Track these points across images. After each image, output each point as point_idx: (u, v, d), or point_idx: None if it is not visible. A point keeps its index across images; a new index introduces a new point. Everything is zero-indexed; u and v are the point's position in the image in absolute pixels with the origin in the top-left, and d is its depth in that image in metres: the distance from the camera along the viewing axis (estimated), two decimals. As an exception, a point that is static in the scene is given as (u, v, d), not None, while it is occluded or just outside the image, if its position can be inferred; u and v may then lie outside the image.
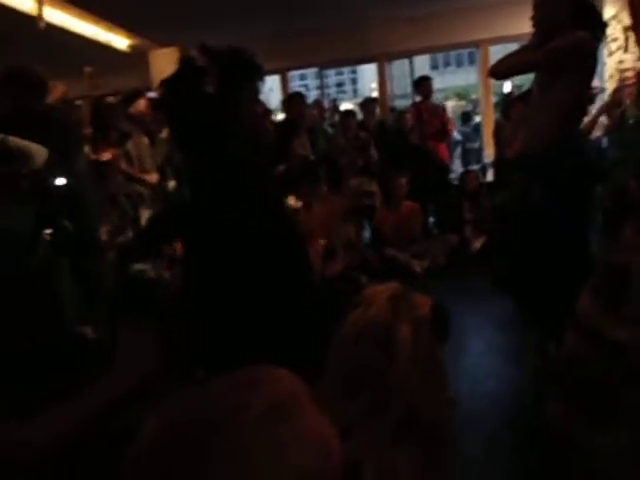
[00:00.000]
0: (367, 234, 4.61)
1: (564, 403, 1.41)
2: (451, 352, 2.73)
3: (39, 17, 3.59)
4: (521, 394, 2.19)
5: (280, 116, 4.52)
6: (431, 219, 4.96)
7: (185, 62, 1.07)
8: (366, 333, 0.68)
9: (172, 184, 3.39)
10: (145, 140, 3.41)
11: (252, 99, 1.12)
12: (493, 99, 6.00)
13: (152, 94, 3.54)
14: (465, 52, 21.82)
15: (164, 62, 5.00)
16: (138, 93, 3.55)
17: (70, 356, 0.84)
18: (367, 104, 5.27)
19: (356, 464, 0.63)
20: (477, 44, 5.79)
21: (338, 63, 7.66)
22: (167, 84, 1.08)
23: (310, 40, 5.66)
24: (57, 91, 3.35)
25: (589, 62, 1.96)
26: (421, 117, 4.87)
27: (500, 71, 2.22)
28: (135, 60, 5.26)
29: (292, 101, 4.39)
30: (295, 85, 7.20)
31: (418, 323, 0.69)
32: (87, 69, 3.60)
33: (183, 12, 4.35)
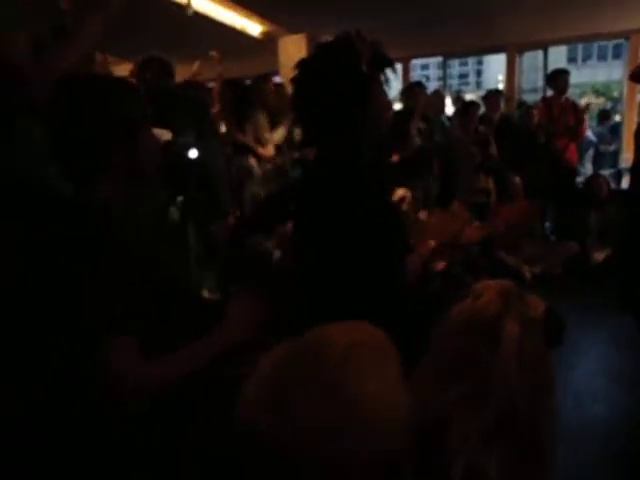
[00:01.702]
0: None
1: None
2: (557, 367, 2.57)
3: (188, 4, 3.91)
4: (631, 423, 2.00)
5: (398, 105, 4.46)
6: (548, 224, 4.63)
7: (344, 42, 1.12)
8: (473, 323, 0.68)
9: (288, 162, 3.51)
10: (264, 117, 3.55)
11: (380, 88, 1.15)
12: (639, 98, 5.37)
13: (278, 79, 3.70)
14: (609, 44, 19.67)
15: (293, 48, 5.18)
16: (266, 77, 3.75)
17: (193, 318, 0.95)
18: (491, 97, 5.01)
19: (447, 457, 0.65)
20: (626, 35, 5.19)
21: (463, 53, 7.34)
22: (318, 60, 1.13)
23: (435, 28, 5.47)
24: (194, 67, 3.66)
25: None
26: (550, 113, 4.52)
27: None
28: (266, 46, 5.51)
29: (411, 91, 4.31)
30: (417, 75, 7.05)
31: (528, 323, 0.67)
32: (213, 53, 3.85)
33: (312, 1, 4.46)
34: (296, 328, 0.59)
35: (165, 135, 2.04)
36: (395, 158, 3.37)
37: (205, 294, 1.84)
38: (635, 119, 4.94)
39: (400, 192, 3.10)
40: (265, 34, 5.47)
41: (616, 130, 6.49)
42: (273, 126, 3.63)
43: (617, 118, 6.92)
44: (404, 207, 2.89)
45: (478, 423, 0.66)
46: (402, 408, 0.51)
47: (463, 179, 4.14)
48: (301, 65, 1.16)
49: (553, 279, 3.76)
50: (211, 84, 4.14)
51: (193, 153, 2.20)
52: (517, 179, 4.02)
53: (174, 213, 1.87)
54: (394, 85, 1.24)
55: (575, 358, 2.58)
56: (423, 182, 3.42)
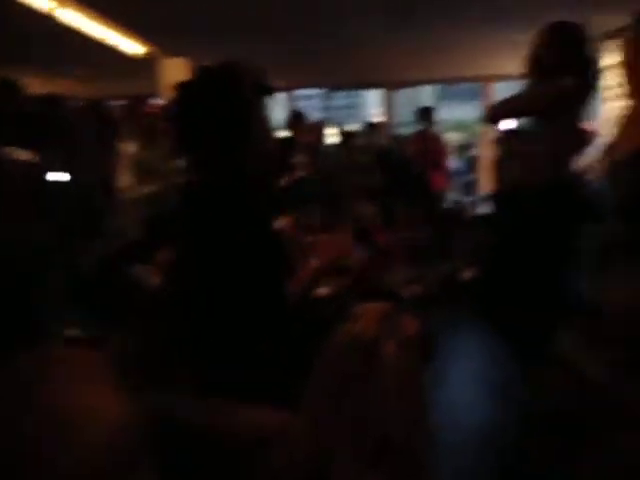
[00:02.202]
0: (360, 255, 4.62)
1: (541, 439, 1.42)
2: (436, 382, 2.74)
3: (52, 16, 3.64)
4: (503, 429, 2.16)
5: (281, 133, 4.56)
6: (424, 247, 4.99)
7: (226, 67, 1.10)
8: (351, 347, 0.69)
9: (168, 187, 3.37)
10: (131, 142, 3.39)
11: (261, 114, 1.15)
12: (493, 134, 6.11)
13: (156, 101, 3.57)
14: (469, 86, 22.30)
15: (175, 71, 5.06)
16: (140, 98, 3.60)
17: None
18: (370, 128, 5.35)
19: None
20: (480, 80, 5.92)
21: (344, 86, 7.77)
22: (199, 83, 1.11)
23: (317, 61, 5.75)
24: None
25: (576, 108, 2.02)
26: (423, 145, 4.94)
27: (495, 117, 2.34)
28: (140, 67, 5.33)
29: (294, 119, 4.45)
30: (301, 105, 7.30)
31: (404, 343, 0.70)
32: (78, 72, 3.66)
33: (194, 24, 4.42)
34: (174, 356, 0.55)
35: (24, 156, 1.85)
36: (279, 185, 3.42)
37: (69, 332, 1.66)
38: (491, 152, 5.59)
39: (284, 218, 3.13)
40: (145, 54, 5.29)
41: (475, 162, 7.31)
42: (145, 150, 3.47)
43: (475, 152, 7.81)
44: (288, 233, 2.92)
45: (360, 451, 0.66)
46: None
47: (346, 205, 4.32)
48: (181, 87, 1.13)
49: (430, 298, 4.03)
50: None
51: (56, 176, 2.02)
52: (402, 206, 4.29)
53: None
54: (278, 114, 1.25)
55: (449, 371, 2.78)
56: (307, 209, 3.50)
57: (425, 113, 5.16)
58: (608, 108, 5.06)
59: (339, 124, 6.57)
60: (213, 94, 1.07)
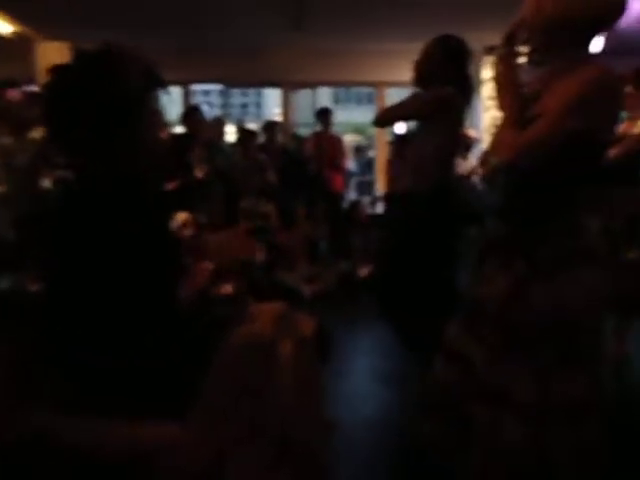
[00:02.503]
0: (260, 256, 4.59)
1: (432, 426, 1.49)
2: (333, 377, 2.78)
3: None
4: (402, 420, 2.25)
5: (178, 129, 4.37)
6: (323, 245, 5.10)
7: (110, 52, 1.00)
8: (248, 347, 0.67)
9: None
10: None
11: (151, 107, 1.08)
12: (387, 137, 6.42)
13: (31, 87, 3.23)
14: (365, 91, 23.25)
15: (53, 55, 4.63)
16: (12, 83, 3.23)
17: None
18: (269, 127, 5.33)
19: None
20: (374, 85, 6.18)
21: (242, 84, 7.68)
22: (78, 68, 0.99)
23: (215, 56, 5.62)
24: None
25: (456, 115, 2.20)
26: (320, 146, 5.03)
27: (384, 120, 2.47)
28: (20, 49, 4.81)
29: (189, 114, 4.29)
30: (198, 101, 7.06)
31: (300, 342, 0.69)
32: None
33: (77, 7, 4.08)
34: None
35: None
36: (175, 182, 3.27)
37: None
38: (385, 155, 5.87)
39: (182, 216, 3.01)
40: (18, 35, 4.77)
41: (371, 164, 7.63)
42: (18, 138, 3.11)
43: (371, 154, 8.15)
44: (186, 231, 2.81)
45: (261, 449, 0.65)
46: None
47: (244, 203, 4.26)
48: (56, 70, 1.01)
49: (329, 295, 4.12)
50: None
51: None
52: (297, 204, 4.32)
53: None
54: (174, 109, 1.18)
55: (346, 366, 2.85)
56: (205, 206, 3.40)
57: (323, 115, 5.26)
58: (488, 117, 5.57)
59: (238, 122, 6.47)
60: (92, 77, 0.97)
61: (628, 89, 2.67)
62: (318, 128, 5.31)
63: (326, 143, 5.12)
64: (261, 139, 5.08)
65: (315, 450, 0.72)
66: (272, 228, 4.49)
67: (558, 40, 1.21)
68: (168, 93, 1.14)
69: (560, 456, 1.21)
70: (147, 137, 1.05)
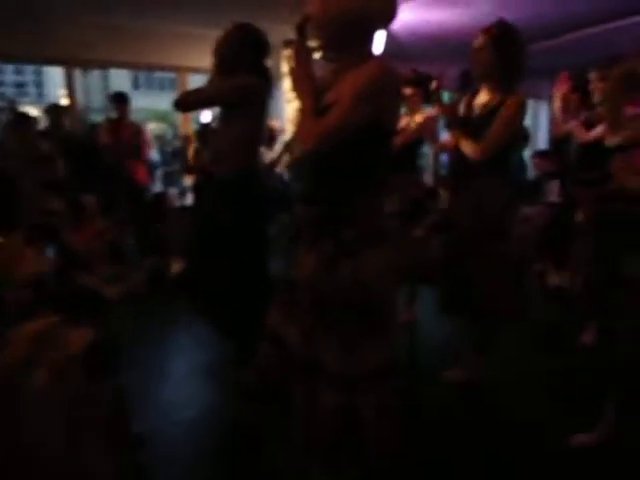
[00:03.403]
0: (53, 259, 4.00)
1: (257, 412, 1.50)
2: (151, 381, 2.60)
3: None
4: (222, 419, 2.21)
5: None
6: (130, 242, 4.69)
7: None
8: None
9: None
10: None
11: None
12: (193, 126, 6.18)
13: None
14: (167, 76, 22.13)
15: None
16: None
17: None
18: (53, 111, 4.64)
19: None
20: (176, 70, 5.88)
21: (18, 59, 6.51)
22: None
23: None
24: None
25: (260, 104, 2.22)
26: (117, 134, 4.58)
27: (184, 104, 2.33)
28: None
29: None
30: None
31: (62, 363, 0.58)
32: None
33: None
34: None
35: None
36: None
37: None
38: (191, 144, 5.64)
39: None
40: None
41: (177, 154, 7.28)
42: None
43: (177, 143, 7.78)
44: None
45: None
46: None
47: (26, 201, 3.64)
48: None
49: (139, 295, 3.82)
50: None
51: None
52: (93, 199, 3.86)
53: None
54: None
55: (167, 366, 2.69)
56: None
57: (119, 100, 4.80)
58: (290, 109, 5.79)
59: (10, 103, 5.49)
60: None
61: (407, 89, 3.03)
62: (113, 114, 4.83)
63: (124, 131, 4.68)
64: (43, 125, 4.40)
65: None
66: (62, 227, 3.94)
67: (341, 37, 1.30)
68: None
69: (368, 416, 1.34)
70: None
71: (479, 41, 2.14)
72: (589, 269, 2.86)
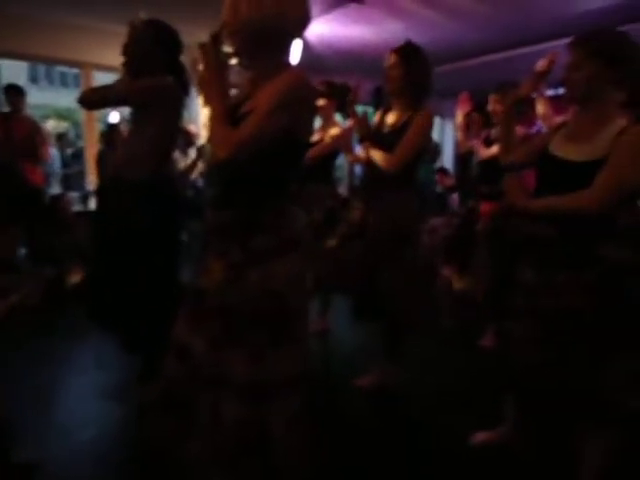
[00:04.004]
0: None
1: (163, 425, 1.42)
2: (41, 406, 2.36)
3: None
4: (125, 433, 2.09)
5: None
6: (22, 249, 4.27)
7: None
8: None
9: None
10: None
11: None
12: (98, 125, 5.80)
13: None
14: (71, 72, 20.63)
15: None
16: None
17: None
18: None
19: None
20: (80, 65, 5.49)
21: None
22: None
23: None
24: None
25: (173, 106, 2.13)
26: (9, 130, 4.17)
27: (90, 100, 2.18)
28: None
29: None
30: None
31: None
32: None
33: None
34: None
35: None
36: None
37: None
38: (95, 144, 5.29)
39: None
40: None
41: (80, 155, 6.79)
42: None
43: (81, 143, 7.26)
44: None
45: None
46: None
47: None
48: None
49: (31, 308, 3.48)
50: None
51: None
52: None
53: None
54: None
55: (61, 389, 2.46)
56: None
57: (13, 91, 4.38)
58: (207, 113, 5.64)
59: None
60: None
61: (320, 100, 3.07)
62: (5, 109, 4.40)
63: (18, 127, 4.28)
64: None
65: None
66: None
67: (254, 44, 1.29)
68: None
69: (276, 428, 1.31)
70: None
71: (390, 60, 2.24)
72: (487, 275, 3.09)
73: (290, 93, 1.23)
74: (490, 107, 3.12)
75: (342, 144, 2.93)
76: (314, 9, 4.36)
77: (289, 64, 1.35)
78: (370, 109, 2.49)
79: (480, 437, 2.03)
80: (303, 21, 1.33)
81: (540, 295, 1.60)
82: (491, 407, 2.05)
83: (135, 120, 2.16)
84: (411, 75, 2.20)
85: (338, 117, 3.06)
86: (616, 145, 1.43)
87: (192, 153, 4.86)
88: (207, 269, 1.38)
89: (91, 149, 5.36)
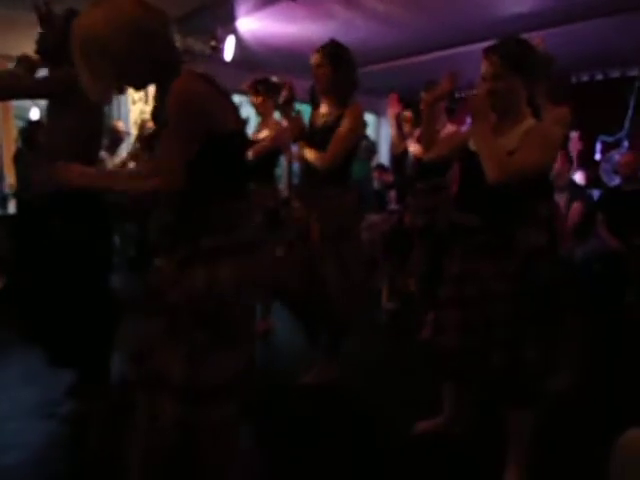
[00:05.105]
0: None
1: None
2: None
3: None
4: (49, 451, 1.95)
5: None
6: None
7: None
8: None
9: None
10: None
11: None
12: (16, 123, 5.37)
13: None
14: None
15: None
16: None
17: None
18: None
19: None
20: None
21: None
22: None
23: None
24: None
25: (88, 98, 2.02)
26: None
27: None
28: None
29: None
30: None
31: None
32: None
33: None
34: None
35: None
36: None
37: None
38: (13, 144, 4.91)
39: None
40: None
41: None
42: None
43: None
44: None
45: None
46: None
47: None
48: None
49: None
50: None
51: None
52: None
53: None
54: None
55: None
56: None
57: None
58: (136, 110, 5.42)
59: None
60: None
61: (254, 97, 3.03)
62: None
63: None
64: None
65: None
66: None
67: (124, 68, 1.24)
68: None
69: (204, 431, 1.28)
70: None
71: (316, 58, 2.26)
72: (420, 268, 3.19)
73: (181, 111, 1.19)
74: (422, 105, 3.21)
75: (280, 143, 2.90)
76: (246, 5, 4.30)
77: (172, 74, 1.24)
78: (309, 107, 2.49)
79: (421, 426, 2.09)
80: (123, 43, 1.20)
81: (465, 284, 1.70)
82: (432, 397, 2.12)
83: (51, 114, 2.04)
84: (337, 73, 2.23)
85: (277, 115, 3.02)
86: (524, 138, 1.61)
87: (122, 153, 4.64)
88: (156, 267, 1.35)
89: (8, 149, 4.97)
